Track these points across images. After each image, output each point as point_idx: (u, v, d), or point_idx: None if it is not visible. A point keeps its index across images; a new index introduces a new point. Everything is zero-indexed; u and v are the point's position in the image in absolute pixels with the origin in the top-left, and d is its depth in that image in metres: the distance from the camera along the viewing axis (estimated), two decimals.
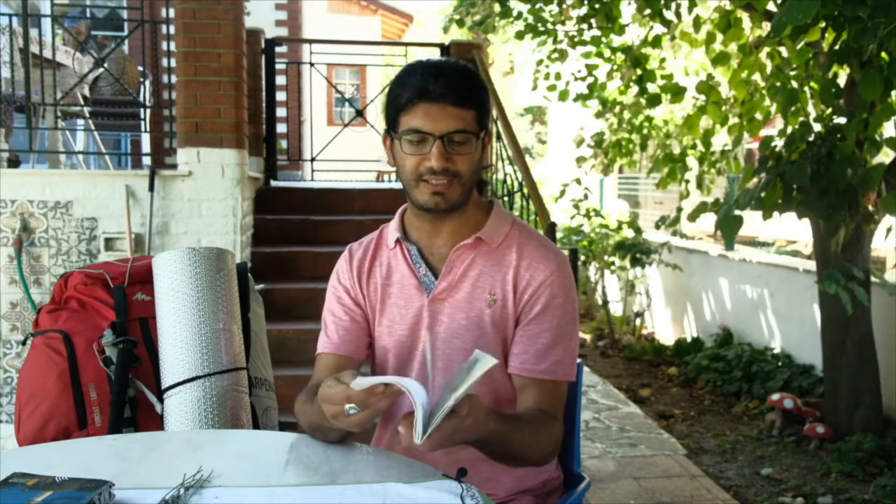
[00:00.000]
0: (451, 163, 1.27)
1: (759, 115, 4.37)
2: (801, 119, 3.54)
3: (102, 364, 1.63)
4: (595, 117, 5.91)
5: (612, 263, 6.60)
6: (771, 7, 3.90)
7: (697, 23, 4.33)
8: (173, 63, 3.79)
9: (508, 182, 4.05)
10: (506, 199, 4.07)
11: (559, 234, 6.23)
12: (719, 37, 4.29)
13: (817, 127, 3.47)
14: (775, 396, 4.10)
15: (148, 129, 4.65)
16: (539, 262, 1.35)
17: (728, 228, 3.32)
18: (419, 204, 1.33)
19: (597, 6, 4.80)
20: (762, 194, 3.33)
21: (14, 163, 3.96)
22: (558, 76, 5.34)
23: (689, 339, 5.81)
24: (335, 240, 4.22)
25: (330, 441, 1.25)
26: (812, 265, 4.52)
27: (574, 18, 5.18)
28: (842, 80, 3.61)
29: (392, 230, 1.43)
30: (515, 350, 1.34)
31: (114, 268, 1.76)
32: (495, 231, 1.38)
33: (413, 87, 1.27)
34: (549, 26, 5.29)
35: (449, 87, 1.26)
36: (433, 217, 1.36)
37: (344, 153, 5.54)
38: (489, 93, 1.36)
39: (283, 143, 7.19)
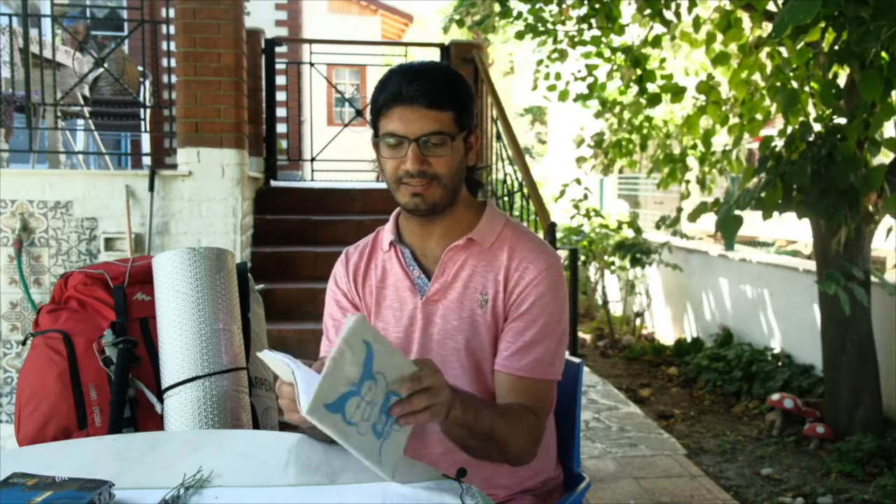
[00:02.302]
0: (427, 165, 1.28)
1: (759, 116, 4.37)
2: (801, 119, 3.54)
3: (102, 364, 1.62)
4: (595, 117, 5.91)
5: (612, 263, 6.60)
6: (771, 7, 3.90)
7: (697, 23, 4.33)
8: (173, 63, 3.79)
9: (508, 182, 4.05)
10: (506, 199, 4.07)
11: (559, 234, 6.22)
12: (719, 37, 4.28)
13: (817, 127, 3.47)
14: (775, 396, 4.10)
15: (148, 129, 4.65)
16: (529, 262, 1.35)
17: (728, 229, 3.32)
18: (402, 206, 1.35)
19: (597, 6, 4.80)
20: (762, 194, 3.33)
21: None
22: (558, 76, 5.34)
23: (689, 339, 5.81)
24: (335, 240, 4.22)
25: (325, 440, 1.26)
26: (812, 265, 4.52)
27: (574, 18, 5.18)
28: (842, 81, 3.61)
29: (387, 233, 1.44)
30: (500, 346, 1.35)
31: (114, 268, 1.76)
32: (487, 231, 1.38)
33: (389, 91, 1.28)
34: (549, 26, 5.29)
35: (422, 89, 1.26)
36: (421, 219, 1.36)
37: (344, 153, 5.54)
38: (471, 93, 1.36)
39: (283, 143, 7.19)
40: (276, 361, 1.09)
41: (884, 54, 2.71)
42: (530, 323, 1.33)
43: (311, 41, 5.96)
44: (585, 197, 6.80)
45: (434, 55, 5.76)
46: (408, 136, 1.26)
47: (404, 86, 1.26)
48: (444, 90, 1.29)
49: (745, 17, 4.24)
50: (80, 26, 4.95)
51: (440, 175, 1.29)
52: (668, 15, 4.50)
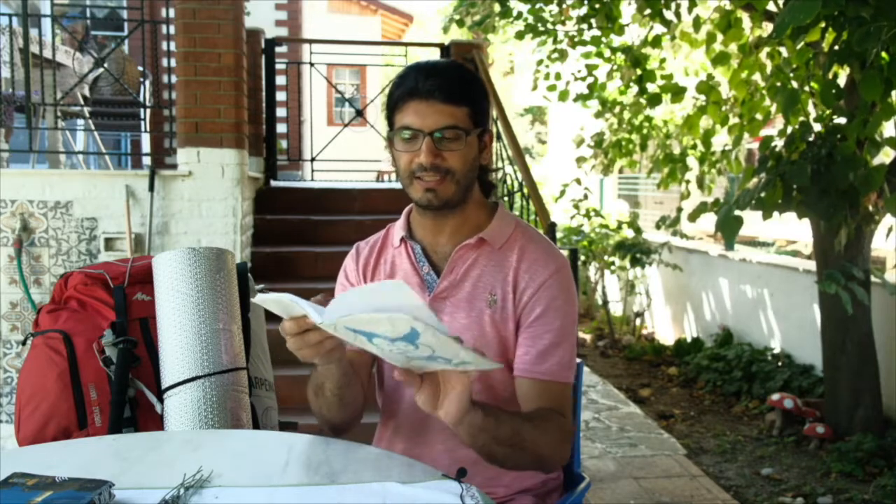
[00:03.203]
0: (441, 159, 1.28)
1: (759, 116, 4.37)
2: (801, 119, 3.54)
3: (102, 364, 1.62)
4: (595, 117, 5.91)
5: (612, 263, 6.60)
6: (771, 7, 3.90)
7: (697, 23, 4.33)
8: (173, 63, 3.79)
9: (508, 182, 4.05)
10: (506, 199, 4.06)
11: (559, 234, 6.23)
12: (719, 37, 4.29)
13: (817, 127, 3.47)
14: (775, 396, 4.10)
15: (148, 129, 4.65)
16: (539, 265, 1.35)
17: (728, 229, 3.32)
18: (415, 201, 1.35)
19: (597, 6, 4.80)
20: (762, 194, 3.33)
21: None
22: (558, 76, 5.34)
23: (689, 339, 5.81)
24: (335, 240, 4.22)
25: (329, 414, 1.32)
26: (812, 265, 4.52)
27: (574, 18, 5.18)
28: (842, 81, 3.61)
29: (398, 229, 1.45)
30: (518, 352, 1.35)
31: (114, 268, 1.76)
32: (498, 232, 1.39)
33: (406, 86, 1.30)
34: (549, 26, 5.29)
35: (438, 84, 1.27)
36: (433, 214, 1.37)
37: (344, 153, 5.54)
38: (486, 92, 1.37)
39: (283, 143, 7.19)
40: (271, 302, 1.08)
41: (884, 54, 2.71)
42: (547, 327, 1.33)
43: (311, 41, 5.96)
44: (585, 197, 6.80)
45: (434, 55, 5.76)
46: (423, 129, 1.28)
47: (421, 80, 1.28)
48: (460, 86, 1.30)
49: (745, 17, 4.24)
50: (79, 26, 4.95)
51: (453, 170, 1.30)
52: (668, 15, 4.50)
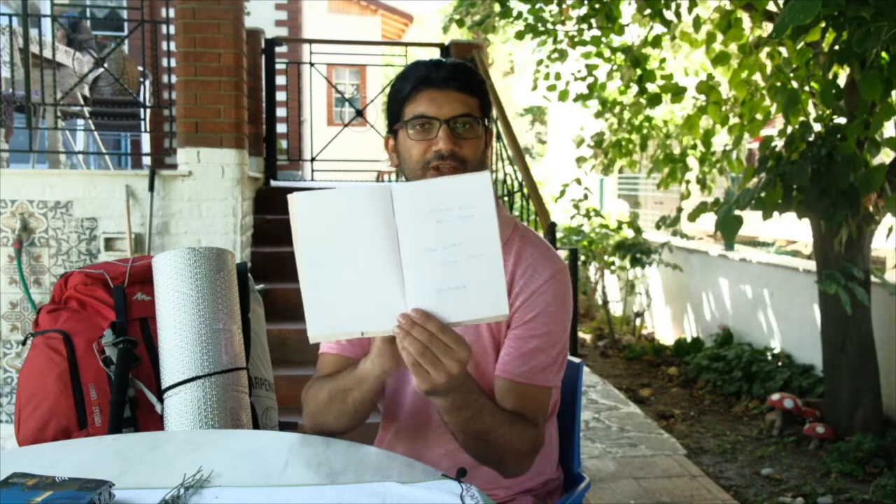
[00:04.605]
0: (458, 147, 1.28)
1: (759, 116, 4.37)
2: (801, 119, 3.54)
3: (102, 364, 1.62)
4: (595, 117, 5.91)
5: (612, 263, 6.60)
6: (771, 7, 3.90)
7: (697, 23, 4.33)
8: (173, 63, 3.79)
9: (508, 182, 4.05)
10: (506, 199, 4.06)
11: (559, 234, 6.23)
12: (719, 37, 4.28)
13: (817, 127, 3.47)
14: (775, 396, 4.10)
15: (148, 129, 4.65)
16: (535, 270, 1.34)
17: (728, 229, 3.32)
18: None
19: (597, 6, 4.81)
20: (762, 194, 3.33)
21: None
22: (558, 76, 5.34)
23: (689, 339, 5.81)
24: None
25: (335, 422, 1.28)
26: (812, 265, 4.52)
27: (574, 18, 5.18)
28: (842, 81, 3.61)
29: None
30: (502, 353, 1.34)
31: (114, 268, 1.75)
32: None
33: (416, 77, 1.30)
34: (549, 26, 5.29)
35: (451, 74, 1.29)
36: None
37: (344, 153, 5.54)
38: (489, 89, 1.38)
39: (283, 143, 7.19)
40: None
41: (884, 54, 2.71)
42: (535, 331, 1.31)
43: (311, 41, 5.96)
44: (585, 197, 6.80)
45: (434, 55, 5.76)
46: (438, 117, 1.27)
47: (433, 71, 1.29)
48: (471, 77, 1.32)
49: (745, 17, 4.24)
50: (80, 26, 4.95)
51: (468, 159, 1.29)
52: (668, 15, 4.51)
